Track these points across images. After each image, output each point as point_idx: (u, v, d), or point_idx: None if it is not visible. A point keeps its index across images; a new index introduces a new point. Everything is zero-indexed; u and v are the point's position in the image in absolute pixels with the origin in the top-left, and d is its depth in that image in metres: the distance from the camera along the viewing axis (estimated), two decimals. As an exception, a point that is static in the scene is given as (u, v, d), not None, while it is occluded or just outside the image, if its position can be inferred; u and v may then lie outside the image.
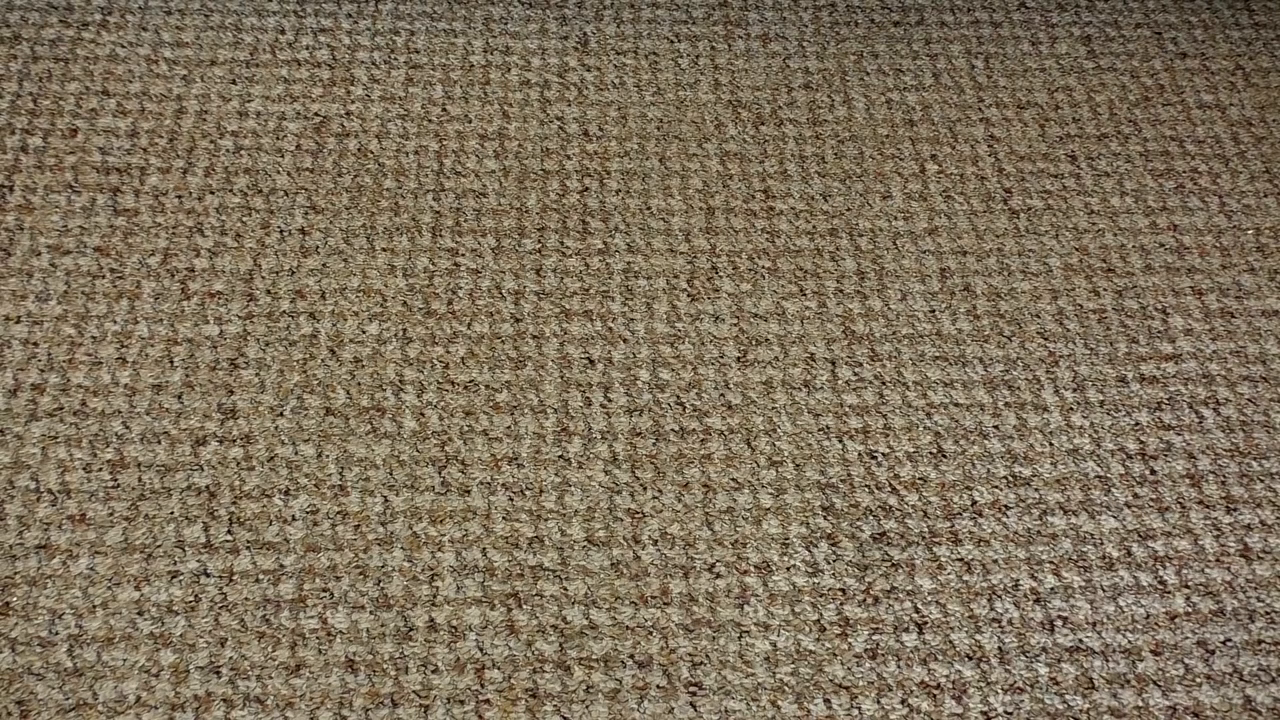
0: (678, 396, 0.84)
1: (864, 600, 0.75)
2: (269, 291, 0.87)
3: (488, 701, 0.70)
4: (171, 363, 0.83)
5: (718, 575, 0.76)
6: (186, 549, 0.75)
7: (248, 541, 0.75)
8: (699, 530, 0.78)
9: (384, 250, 0.90)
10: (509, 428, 0.81)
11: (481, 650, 0.72)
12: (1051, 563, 0.78)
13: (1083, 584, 0.77)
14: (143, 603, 0.73)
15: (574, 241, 0.92)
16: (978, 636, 0.74)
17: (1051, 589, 0.77)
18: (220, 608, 0.73)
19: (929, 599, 0.76)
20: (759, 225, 0.94)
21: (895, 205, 0.96)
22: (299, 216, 0.92)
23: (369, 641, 0.72)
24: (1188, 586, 0.77)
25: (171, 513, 0.76)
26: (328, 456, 0.79)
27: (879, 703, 0.71)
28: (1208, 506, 0.81)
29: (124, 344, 0.84)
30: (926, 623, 0.75)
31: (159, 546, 0.75)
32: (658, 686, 0.71)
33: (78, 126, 0.96)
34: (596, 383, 0.84)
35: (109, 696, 0.69)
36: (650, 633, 0.73)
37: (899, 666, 0.73)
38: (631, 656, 0.72)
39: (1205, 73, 1.09)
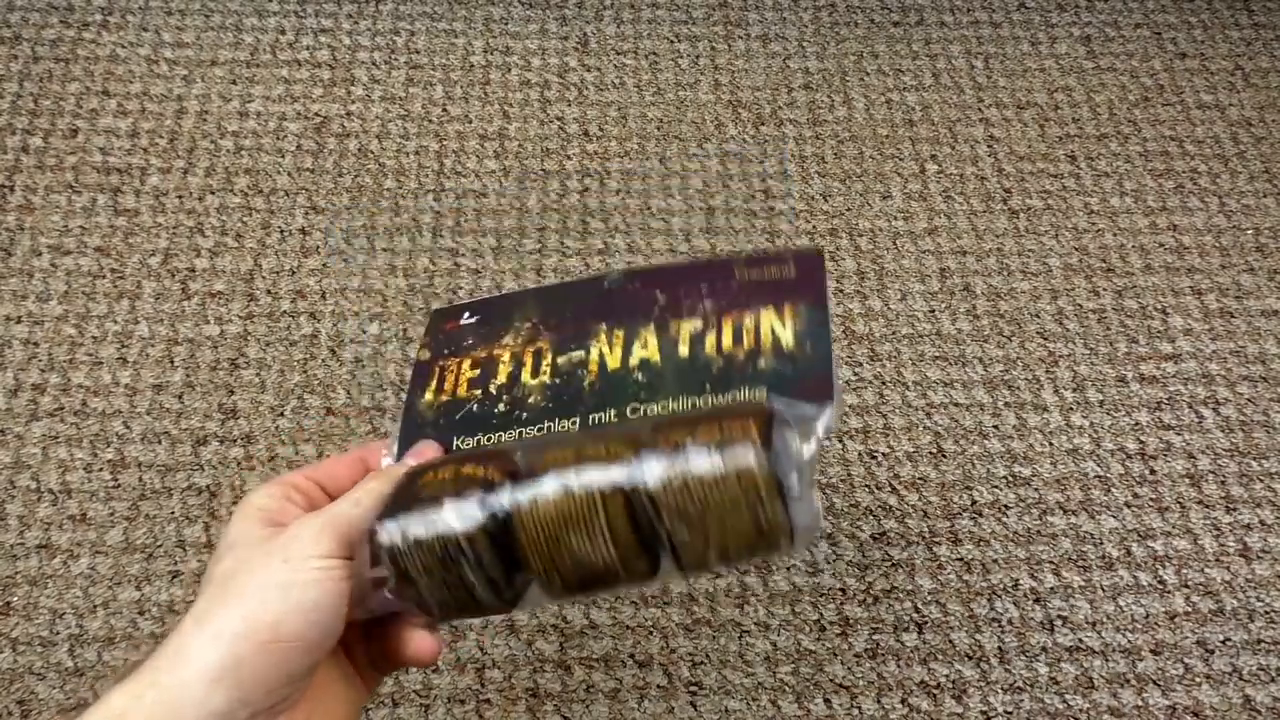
0: (678, 396, 0.84)
1: (864, 600, 0.75)
2: (269, 291, 0.87)
3: (488, 701, 0.70)
4: (172, 362, 0.83)
5: (718, 575, 0.76)
6: (187, 549, 0.75)
7: (248, 541, 0.75)
8: (699, 530, 0.78)
9: (384, 250, 0.90)
10: (509, 427, 0.81)
11: (482, 650, 0.72)
12: (1051, 562, 0.78)
13: (1082, 583, 0.77)
14: (144, 602, 0.73)
15: (574, 241, 0.92)
16: (978, 636, 0.74)
17: (1051, 588, 0.77)
18: (221, 607, 0.73)
19: (929, 599, 0.76)
20: (758, 225, 0.94)
21: (895, 205, 0.97)
22: (299, 216, 0.92)
23: (369, 641, 0.72)
24: (1187, 586, 0.77)
25: (172, 512, 0.76)
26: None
27: (879, 702, 0.71)
28: (1207, 506, 0.81)
29: (125, 344, 0.84)
30: (926, 622, 0.75)
31: (160, 546, 0.75)
32: (658, 686, 0.71)
33: (78, 127, 0.96)
34: (597, 383, 0.84)
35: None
36: (650, 632, 0.73)
37: (899, 666, 0.73)
38: (631, 656, 0.72)
39: (1205, 73, 1.09)
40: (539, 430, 0.37)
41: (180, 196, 0.92)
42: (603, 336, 0.39)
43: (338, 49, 1.04)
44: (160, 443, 0.79)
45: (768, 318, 0.37)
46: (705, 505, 0.31)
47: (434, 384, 0.40)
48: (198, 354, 0.84)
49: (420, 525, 0.33)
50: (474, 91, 1.01)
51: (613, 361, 0.38)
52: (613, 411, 0.37)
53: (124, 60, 1.01)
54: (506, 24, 1.07)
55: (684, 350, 0.38)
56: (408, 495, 0.34)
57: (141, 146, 0.95)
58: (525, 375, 0.39)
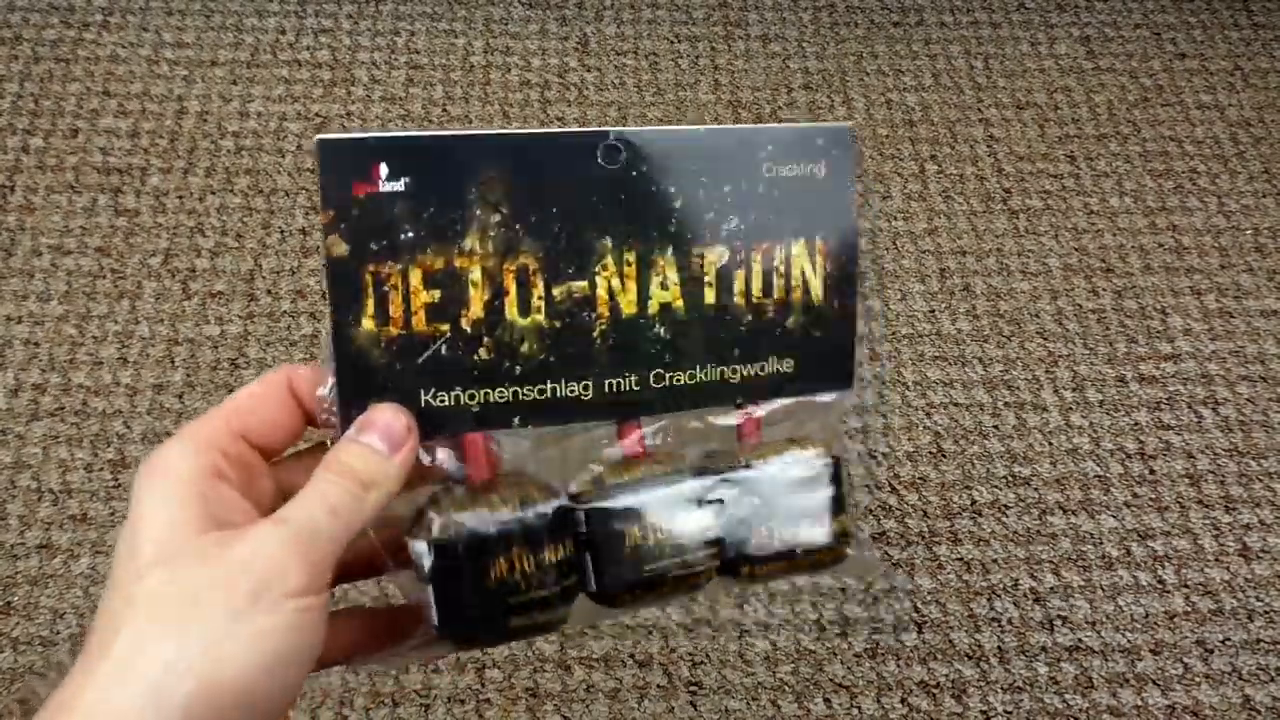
0: (678, 396, 0.84)
1: (864, 600, 0.75)
2: (270, 291, 0.87)
3: (488, 701, 0.70)
4: (173, 362, 0.83)
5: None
6: (188, 548, 0.75)
7: (249, 541, 0.75)
8: (699, 530, 0.78)
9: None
10: (509, 427, 0.81)
11: (482, 650, 0.72)
12: (1051, 562, 0.78)
13: (1082, 583, 0.77)
14: (144, 602, 0.73)
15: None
16: (977, 636, 0.74)
17: (1051, 588, 0.77)
18: (221, 607, 0.73)
19: (929, 598, 0.76)
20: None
21: (895, 205, 0.97)
22: (299, 216, 0.92)
23: (370, 641, 0.72)
24: (1186, 586, 0.77)
25: (173, 512, 0.76)
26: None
27: (879, 702, 0.71)
28: (1206, 506, 0.81)
29: (125, 344, 0.84)
30: (926, 622, 0.75)
31: (160, 546, 0.75)
32: (658, 686, 0.71)
33: (79, 127, 0.96)
34: (597, 383, 0.84)
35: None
36: (650, 632, 0.73)
37: (899, 666, 0.73)
38: (631, 656, 0.72)
39: (1204, 73, 1.09)
40: (539, 393, 0.30)
41: (181, 196, 0.92)
42: (609, 260, 0.30)
43: (338, 49, 1.04)
44: (161, 442, 0.79)
45: (800, 256, 0.32)
46: (792, 573, 0.33)
47: (371, 306, 0.28)
48: (198, 354, 0.84)
49: (494, 633, 0.30)
50: (474, 91, 1.02)
51: (627, 304, 0.31)
52: (633, 378, 0.31)
53: (124, 60, 1.01)
54: (506, 24, 1.07)
55: (710, 296, 0.31)
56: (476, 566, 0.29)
57: (142, 147, 0.95)
58: (511, 310, 0.29)
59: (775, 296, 0.32)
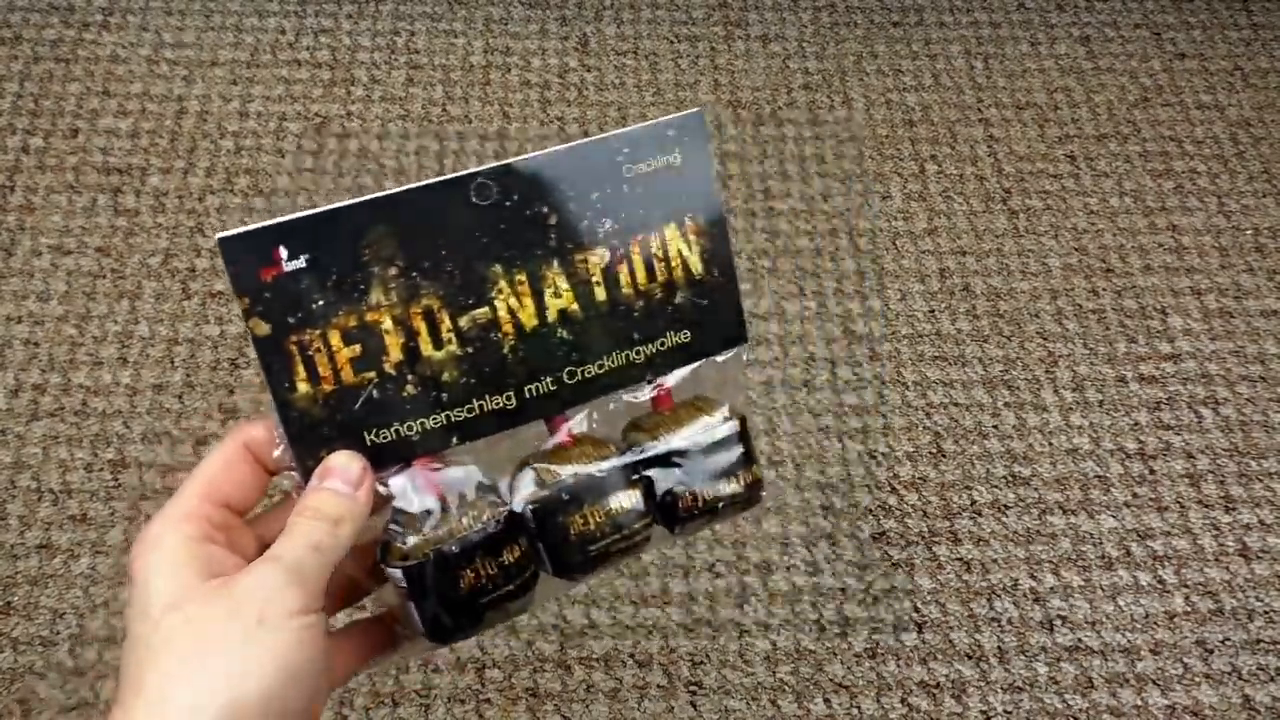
0: (678, 396, 0.84)
1: (864, 600, 0.76)
2: (270, 291, 0.87)
3: (488, 701, 0.70)
4: (172, 362, 0.83)
5: (718, 575, 0.76)
6: (188, 548, 0.75)
7: (249, 541, 0.75)
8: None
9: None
10: (509, 427, 0.81)
11: (482, 649, 0.72)
12: (1050, 562, 0.78)
13: (1082, 583, 0.77)
14: (144, 602, 0.73)
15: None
16: (977, 636, 0.74)
17: (1050, 588, 0.77)
18: (221, 607, 0.73)
19: (929, 598, 0.76)
20: (759, 225, 0.94)
21: (895, 205, 0.97)
22: (300, 217, 0.92)
23: (370, 641, 0.72)
24: (1186, 586, 0.78)
25: (173, 512, 0.76)
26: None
27: (879, 702, 0.71)
28: (1206, 506, 0.81)
29: (125, 344, 0.84)
30: (926, 622, 0.75)
31: (160, 546, 0.75)
32: (658, 686, 0.71)
33: (79, 127, 0.96)
34: (597, 383, 0.84)
35: (110, 696, 0.69)
36: (650, 632, 0.73)
37: (898, 666, 0.73)
38: (631, 656, 0.72)
39: (1204, 73, 1.09)
40: (469, 411, 0.33)
41: (180, 196, 0.92)
42: (503, 284, 0.33)
43: (338, 49, 1.04)
44: (161, 443, 0.79)
45: (674, 239, 0.35)
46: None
47: (301, 370, 0.31)
48: (198, 354, 0.84)
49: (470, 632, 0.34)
50: (474, 91, 1.02)
51: (528, 318, 0.34)
52: (549, 380, 0.34)
53: (124, 60, 1.01)
54: (506, 24, 1.07)
55: (601, 294, 0.34)
56: (447, 584, 0.32)
57: (142, 147, 0.95)
58: (426, 347, 0.32)
59: (659, 279, 0.35)
